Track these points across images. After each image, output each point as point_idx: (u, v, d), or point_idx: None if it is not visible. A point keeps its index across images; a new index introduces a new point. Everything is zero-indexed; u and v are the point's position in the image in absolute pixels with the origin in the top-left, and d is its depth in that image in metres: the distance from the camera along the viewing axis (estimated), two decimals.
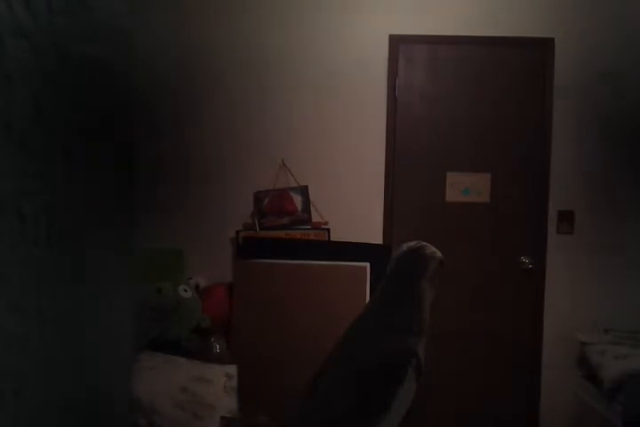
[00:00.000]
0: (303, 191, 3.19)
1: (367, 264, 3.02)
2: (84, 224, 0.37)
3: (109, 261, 0.41)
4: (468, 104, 3.23)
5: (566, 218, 3.21)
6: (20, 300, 0.33)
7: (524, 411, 3.24)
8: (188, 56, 3.20)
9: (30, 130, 0.30)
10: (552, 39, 3.19)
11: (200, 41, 3.20)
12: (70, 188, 0.34)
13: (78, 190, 0.36)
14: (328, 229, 3.18)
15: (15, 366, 0.35)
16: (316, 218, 3.20)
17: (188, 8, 3.20)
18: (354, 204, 3.21)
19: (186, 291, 2.91)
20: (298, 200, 3.19)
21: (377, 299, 1.37)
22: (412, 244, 1.39)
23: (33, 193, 0.31)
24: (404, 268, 1.36)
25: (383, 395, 1.08)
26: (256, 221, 3.18)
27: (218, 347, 2.86)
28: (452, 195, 3.23)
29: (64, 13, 0.37)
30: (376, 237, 3.19)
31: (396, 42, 3.20)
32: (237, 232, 3.17)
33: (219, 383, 2.69)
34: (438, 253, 1.37)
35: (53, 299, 0.36)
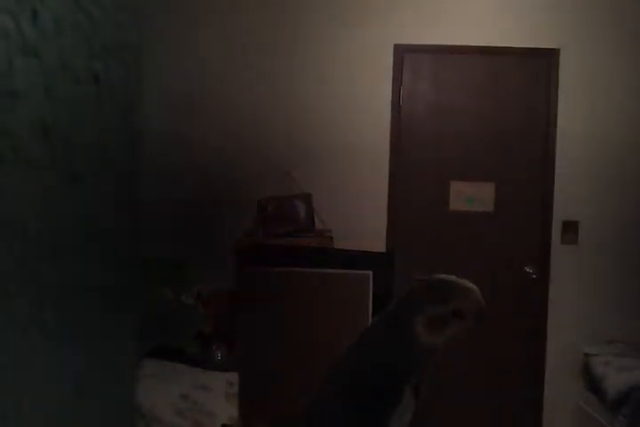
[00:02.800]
0: (306, 199, 3.19)
1: (370, 272, 3.01)
2: (89, 241, 0.37)
3: (114, 275, 0.41)
4: (473, 113, 3.23)
5: (571, 228, 3.20)
6: (24, 316, 0.33)
7: (527, 422, 3.22)
8: (192, 65, 3.21)
9: (35, 152, 0.30)
10: (557, 50, 3.19)
11: (204, 51, 3.22)
12: (75, 206, 0.34)
13: (83, 208, 0.36)
14: (331, 237, 3.18)
15: (16, 382, 0.35)
16: (319, 226, 3.20)
17: (187, 17, 3.22)
18: (357, 212, 3.20)
19: (187, 298, 2.90)
20: (301, 208, 3.19)
21: (376, 321, 1.25)
22: (440, 276, 1.17)
23: (37, 212, 0.31)
24: (408, 301, 1.18)
25: (380, 414, 1.07)
26: (259, 229, 3.17)
27: (219, 354, 2.86)
28: (455, 204, 3.22)
29: (72, 29, 0.37)
30: (379, 246, 3.18)
31: (401, 51, 3.21)
32: (240, 239, 3.17)
33: (220, 391, 2.68)
34: (459, 301, 1.11)
35: (57, 315, 0.36)
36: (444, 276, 1.15)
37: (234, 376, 2.74)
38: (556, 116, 3.20)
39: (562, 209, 3.20)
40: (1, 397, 0.32)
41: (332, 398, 1.12)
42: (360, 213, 3.21)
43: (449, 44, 3.19)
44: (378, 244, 3.18)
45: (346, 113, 3.21)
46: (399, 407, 1.04)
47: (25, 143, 0.30)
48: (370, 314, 2.97)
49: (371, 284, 3.00)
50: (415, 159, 3.24)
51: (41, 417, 0.37)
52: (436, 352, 1.13)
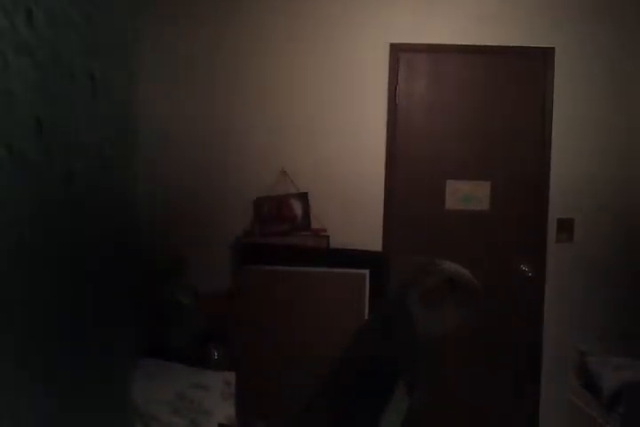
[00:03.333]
0: (303, 198, 3.20)
1: (366, 271, 3.01)
2: (84, 247, 0.37)
3: (110, 279, 0.41)
4: (469, 112, 3.24)
5: (566, 226, 3.21)
6: (21, 321, 0.33)
7: (522, 420, 3.23)
8: (189, 61, 3.21)
9: (31, 150, 0.31)
10: (552, 49, 3.20)
11: (206, 52, 3.21)
12: (71, 212, 0.34)
13: (79, 214, 0.36)
14: (327, 236, 3.18)
15: (13, 379, 0.35)
16: (315, 225, 3.20)
17: (191, 16, 3.22)
18: (353, 211, 3.21)
19: (185, 297, 2.90)
20: (298, 207, 3.19)
21: (374, 313, 1.28)
22: (423, 259, 1.22)
23: (32, 217, 0.31)
24: (400, 282, 1.23)
25: (373, 408, 1.07)
26: (256, 228, 3.18)
27: (216, 354, 2.86)
28: (451, 203, 3.23)
29: (67, 29, 0.37)
30: (375, 245, 3.19)
31: (397, 50, 3.21)
32: (237, 238, 3.17)
33: (217, 390, 2.68)
34: (448, 271, 1.15)
35: (53, 317, 0.36)
36: (423, 258, 1.18)
37: (231, 376, 2.74)
38: (551, 114, 3.21)
39: (557, 207, 3.21)
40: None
41: (328, 393, 1.13)
42: (356, 212, 3.21)
43: (444, 43, 3.20)
44: (374, 243, 3.18)
45: (342, 112, 3.21)
46: (392, 402, 1.05)
47: (20, 142, 0.30)
48: (366, 312, 2.97)
49: (367, 283, 3.00)
50: (411, 158, 3.24)
51: (38, 415, 0.37)
52: (431, 341, 1.13)
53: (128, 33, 0.44)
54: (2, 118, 0.31)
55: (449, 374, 3.19)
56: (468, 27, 3.20)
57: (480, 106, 3.23)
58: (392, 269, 3.06)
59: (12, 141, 0.31)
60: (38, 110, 0.33)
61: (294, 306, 2.97)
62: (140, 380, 2.53)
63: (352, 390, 1.10)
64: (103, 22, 0.41)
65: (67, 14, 0.37)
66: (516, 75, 3.24)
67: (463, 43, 3.20)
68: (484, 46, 3.20)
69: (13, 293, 0.33)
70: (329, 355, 1.63)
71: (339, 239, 3.16)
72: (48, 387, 0.38)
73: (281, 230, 3.18)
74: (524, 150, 3.24)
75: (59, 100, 0.35)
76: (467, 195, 3.23)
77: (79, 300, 0.39)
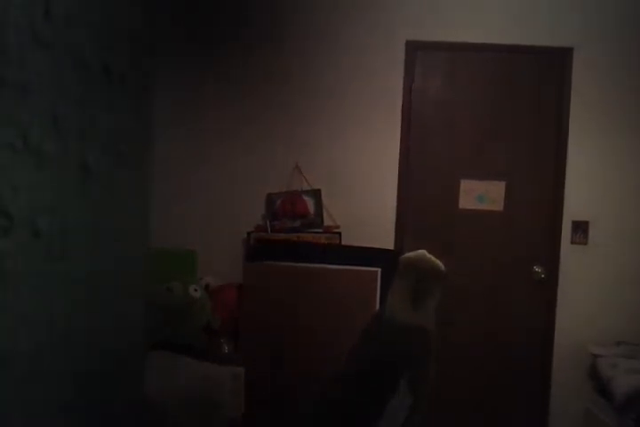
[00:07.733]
0: (316, 195, 3.20)
1: (378, 269, 3.00)
2: (98, 238, 0.37)
3: (121, 274, 0.41)
4: (485, 112, 3.21)
5: (581, 228, 3.18)
6: (33, 313, 0.33)
7: (534, 424, 3.21)
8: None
9: (46, 143, 0.31)
10: (571, 49, 3.16)
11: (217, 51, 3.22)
12: (85, 202, 0.34)
13: (93, 205, 0.36)
14: (340, 233, 3.18)
15: (25, 377, 0.35)
16: (327, 222, 3.20)
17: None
18: (366, 208, 3.20)
19: (196, 291, 2.92)
20: (310, 203, 3.19)
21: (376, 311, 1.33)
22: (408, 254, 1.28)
23: (48, 208, 0.31)
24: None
25: (376, 405, 1.08)
26: (268, 223, 3.18)
27: (226, 348, 2.87)
28: (465, 202, 3.21)
29: (83, 24, 0.37)
30: (388, 243, 3.18)
31: (413, 48, 3.19)
32: (249, 234, 3.18)
33: (226, 384, 2.69)
34: (401, 258, 1.19)
35: (66, 312, 0.36)
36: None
37: (240, 371, 2.75)
38: (568, 115, 3.17)
39: (572, 209, 3.18)
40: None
41: (334, 390, 1.14)
42: (369, 210, 3.20)
43: (461, 41, 3.17)
44: (386, 241, 3.18)
45: (356, 109, 3.20)
46: (395, 398, 1.05)
47: (36, 134, 0.30)
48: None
49: (379, 280, 2.99)
50: (426, 156, 3.23)
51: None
52: (406, 330, 1.15)
53: (146, 27, 0.44)
54: (18, 111, 0.31)
55: (460, 374, 3.17)
56: (485, 25, 3.18)
57: (497, 105, 3.21)
58: None
59: (28, 134, 0.31)
60: (54, 103, 0.33)
61: (305, 303, 2.97)
62: (151, 373, 2.55)
63: (355, 388, 1.10)
64: (120, 16, 0.41)
65: (84, 9, 0.37)
66: (534, 74, 3.20)
67: (480, 41, 3.17)
68: (501, 45, 3.17)
69: (27, 294, 0.33)
70: (338, 352, 1.63)
71: (351, 236, 3.16)
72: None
73: (293, 226, 3.18)
74: (540, 151, 3.21)
75: (75, 93, 0.35)
76: (481, 195, 3.20)
77: (89, 294, 0.39)
